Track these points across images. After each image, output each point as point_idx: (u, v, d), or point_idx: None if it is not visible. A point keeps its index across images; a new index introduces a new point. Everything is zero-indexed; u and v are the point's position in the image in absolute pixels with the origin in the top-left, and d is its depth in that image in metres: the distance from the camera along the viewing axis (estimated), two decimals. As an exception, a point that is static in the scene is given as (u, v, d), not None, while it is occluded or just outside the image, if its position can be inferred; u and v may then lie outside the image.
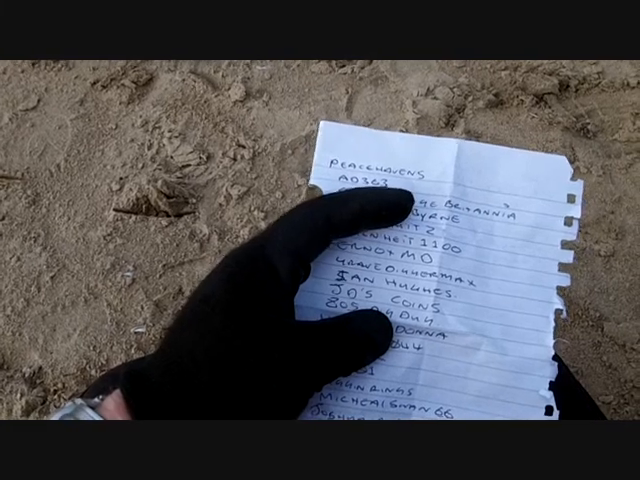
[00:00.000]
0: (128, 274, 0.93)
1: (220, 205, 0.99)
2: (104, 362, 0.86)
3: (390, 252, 0.34)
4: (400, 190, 0.34)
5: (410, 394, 0.33)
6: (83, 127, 1.11)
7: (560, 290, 0.33)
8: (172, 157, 1.05)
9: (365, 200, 0.33)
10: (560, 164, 0.35)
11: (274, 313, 0.30)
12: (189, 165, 1.04)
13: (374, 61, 1.16)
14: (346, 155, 0.35)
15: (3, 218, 1.00)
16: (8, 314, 0.91)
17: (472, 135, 1.04)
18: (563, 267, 0.34)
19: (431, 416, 0.33)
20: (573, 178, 0.35)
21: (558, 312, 0.33)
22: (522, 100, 1.09)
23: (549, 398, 0.32)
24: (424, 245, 0.34)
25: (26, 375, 0.87)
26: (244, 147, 1.05)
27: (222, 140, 1.06)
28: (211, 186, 1.01)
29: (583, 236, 0.94)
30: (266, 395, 0.29)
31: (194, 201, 0.99)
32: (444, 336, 0.33)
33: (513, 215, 0.34)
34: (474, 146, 0.35)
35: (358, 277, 0.34)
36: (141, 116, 1.11)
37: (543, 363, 0.33)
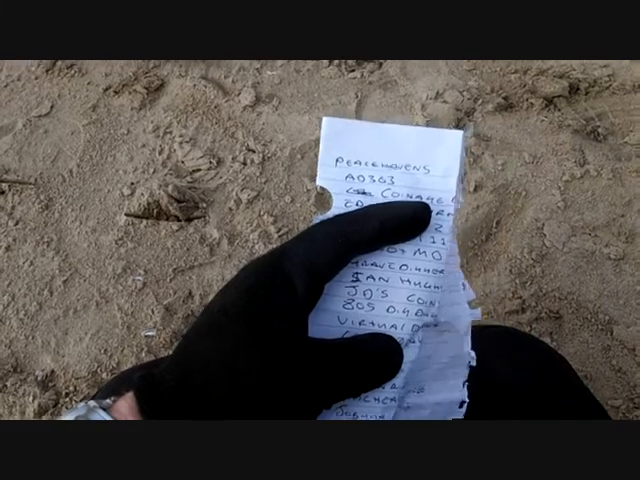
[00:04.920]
0: (139, 278, 0.94)
1: (230, 209, 1.00)
2: (115, 365, 0.87)
3: (402, 251, 0.34)
4: (417, 203, 0.34)
5: (410, 383, 0.34)
6: (95, 133, 1.12)
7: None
8: (183, 162, 1.06)
9: (384, 217, 0.33)
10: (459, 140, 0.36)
11: (290, 328, 0.30)
12: (199, 170, 1.05)
13: (383, 65, 1.16)
14: (351, 152, 0.35)
15: (17, 223, 1.02)
16: (21, 317, 0.93)
17: (481, 139, 1.04)
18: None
19: (413, 395, 0.35)
20: (463, 155, 0.36)
21: (465, 284, 0.36)
22: (532, 103, 1.08)
23: (471, 355, 0.35)
24: (433, 242, 0.34)
25: (39, 378, 0.88)
26: (254, 152, 1.06)
27: (232, 145, 1.07)
28: (221, 190, 1.02)
29: (593, 239, 0.94)
30: (276, 409, 0.29)
31: (204, 205, 1.00)
32: (435, 325, 0.34)
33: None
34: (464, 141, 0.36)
35: (373, 277, 0.34)
36: (152, 121, 1.12)
37: (467, 329, 0.35)
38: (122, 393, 0.30)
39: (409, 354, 0.34)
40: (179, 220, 0.99)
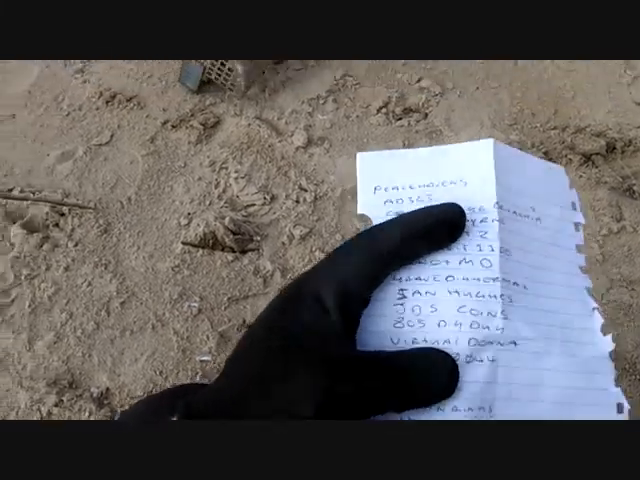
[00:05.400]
0: (194, 304, 0.98)
1: (283, 244, 1.05)
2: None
3: (447, 262, 0.33)
4: (446, 204, 0.33)
5: (491, 410, 0.31)
6: (153, 163, 1.18)
7: (588, 291, 0.34)
8: (238, 196, 1.11)
9: (406, 224, 0.32)
10: (560, 174, 0.36)
11: (322, 344, 0.30)
12: (254, 205, 1.10)
13: (429, 115, 1.22)
14: (387, 180, 0.35)
15: (76, 244, 1.06)
16: (78, 335, 0.96)
17: (523, 190, 1.09)
18: (583, 269, 0.34)
19: None
20: (571, 186, 0.36)
21: (597, 310, 0.34)
22: (570, 159, 1.14)
23: (619, 394, 0.31)
24: (480, 250, 0.33)
25: (94, 395, 0.91)
26: (306, 191, 1.11)
27: (285, 183, 1.12)
28: (275, 225, 1.07)
29: (629, 292, 0.98)
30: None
31: (258, 239, 1.05)
32: (515, 344, 0.31)
33: (539, 219, 0.34)
34: (504, 147, 0.35)
35: (419, 292, 0.33)
36: (208, 156, 1.18)
37: (603, 360, 0.32)
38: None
39: (472, 373, 0.31)
40: (234, 251, 1.04)
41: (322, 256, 1.02)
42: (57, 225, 1.10)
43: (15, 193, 1.14)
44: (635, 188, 1.11)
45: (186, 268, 1.02)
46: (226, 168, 1.15)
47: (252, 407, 0.29)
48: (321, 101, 1.25)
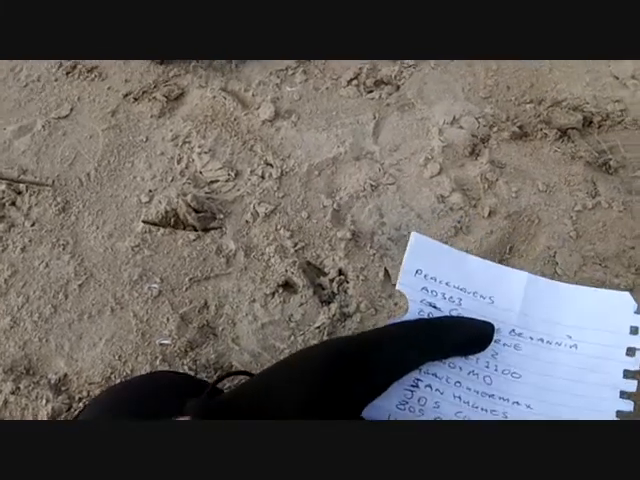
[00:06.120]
0: (155, 286, 0.95)
1: (247, 222, 1.01)
2: (129, 372, 0.88)
3: (460, 368, 0.37)
4: (486, 323, 0.37)
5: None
6: (114, 138, 1.13)
7: (620, 415, 0.36)
8: (201, 172, 1.07)
9: (459, 334, 0.37)
10: (624, 299, 0.38)
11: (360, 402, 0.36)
12: (217, 181, 1.06)
13: (401, 87, 1.18)
14: (430, 268, 0.38)
15: (33, 224, 1.02)
16: (35, 320, 0.93)
17: (496, 165, 1.06)
18: (626, 395, 0.37)
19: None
20: (637, 311, 0.37)
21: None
22: (546, 134, 1.11)
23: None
24: (487, 367, 0.37)
25: (52, 381, 0.88)
26: (272, 166, 1.07)
27: (250, 158, 1.08)
28: (239, 203, 1.03)
29: (603, 270, 0.96)
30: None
31: (221, 217, 1.01)
32: None
33: (575, 346, 0.37)
34: (542, 281, 0.38)
35: (430, 387, 0.37)
36: (171, 130, 1.13)
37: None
38: (176, 417, 0.34)
39: None
40: (196, 230, 1.00)
41: (287, 234, 0.99)
42: (14, 204, 1.05)
43: (-31, 170, 1.10)
44: (611, 163, 1.08)
45: (146, 248, 0.99)
46: (189, 142, 1.11)
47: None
48: (290, 72, 1.20)
